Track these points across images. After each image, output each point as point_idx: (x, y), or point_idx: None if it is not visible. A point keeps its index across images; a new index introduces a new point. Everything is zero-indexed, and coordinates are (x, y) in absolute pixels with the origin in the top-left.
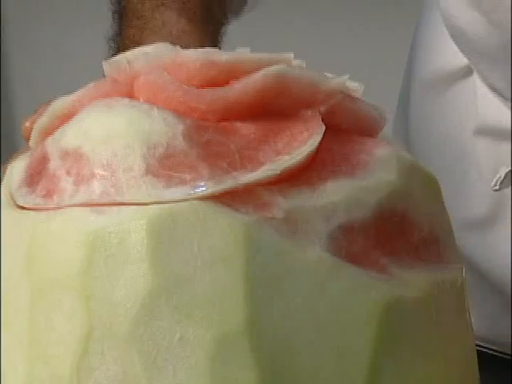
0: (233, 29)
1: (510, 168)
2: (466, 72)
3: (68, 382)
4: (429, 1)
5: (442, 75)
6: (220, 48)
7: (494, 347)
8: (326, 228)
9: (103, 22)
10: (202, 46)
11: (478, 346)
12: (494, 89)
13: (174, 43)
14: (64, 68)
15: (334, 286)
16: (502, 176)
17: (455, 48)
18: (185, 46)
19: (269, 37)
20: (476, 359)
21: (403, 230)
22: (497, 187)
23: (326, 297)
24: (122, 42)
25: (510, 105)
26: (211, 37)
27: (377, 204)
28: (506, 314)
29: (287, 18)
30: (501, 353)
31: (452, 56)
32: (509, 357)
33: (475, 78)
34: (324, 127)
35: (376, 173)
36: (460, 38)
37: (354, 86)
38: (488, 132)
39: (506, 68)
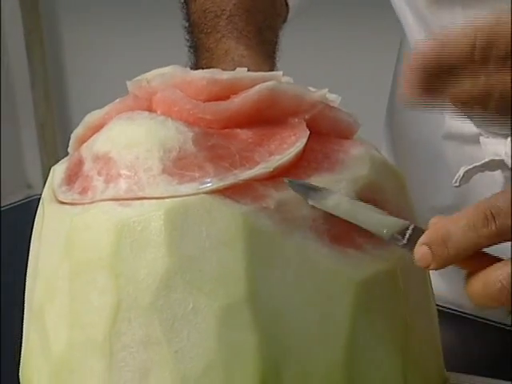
0: None
1: (468, 167)
2: None
3: (101, 344)
4: None
5: None
6: (275, 64)
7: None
8: (311, 215)
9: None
10: (260, 67)
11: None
12: None
13: (236, 67)
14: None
15: (319, 263)
16: (461, 174)
17: None
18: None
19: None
20: (437, 322)
21: None
22: (457, 184)
23: (312, 272)
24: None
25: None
26: (266, 56)
27: (353, 194)
28: None
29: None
30: (494, 322)
31: None
32: (502, 326)
33: None
34: (308, 132)
35: (352, 168)
36: None
37: (333, 98)
38: (454, 137)
39: None
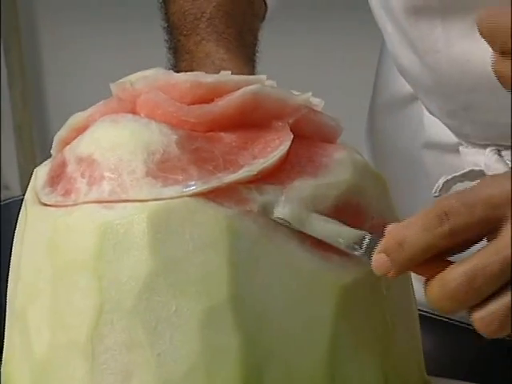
0: None
1: (447, 177)
2: (415, 98)
3: (83, 346)
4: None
5: (396, 99)
6: (255, 66)
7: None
8: None
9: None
10: (241, 70)
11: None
12: (432, 114)
13: (217, 70)
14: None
15: (302, 266)
16: (441, 184)
17: None
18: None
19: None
20: (418, 326)
21: (357, 219)
22: (436, 194)
23: (295, 276)
24: (178, 72)
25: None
26: (247, 59)
27: (336, 198)
28: None
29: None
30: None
31: (403, 84)
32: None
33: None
34: (292, 136)
35: (335, 172)
36: (403, 73)
37: (316, 102)
38: (433, 146)
39: (438, 100)
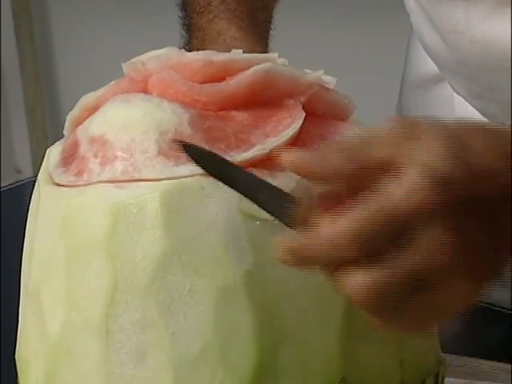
0: None
1: None
2: (443, 78)
3: (98, 326)
4: None
5: (426, 79)
6: (268, 44)
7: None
8: None
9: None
10: (252, 48)
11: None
12: (458, 94)
13: (228, 49)
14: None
15: None
16: None
17: None
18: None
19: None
20: None
21: None
22: None
23: None
24: (190, 50)
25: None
26: (259, 38)
27: None
28: None
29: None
30: (489, 304)
31: (432, 64)
32: (496, 308)
33: None
34: (304, 114)
35: None
36: (429, 53)
37: (328, 79)
38: None
39: (463, 80)
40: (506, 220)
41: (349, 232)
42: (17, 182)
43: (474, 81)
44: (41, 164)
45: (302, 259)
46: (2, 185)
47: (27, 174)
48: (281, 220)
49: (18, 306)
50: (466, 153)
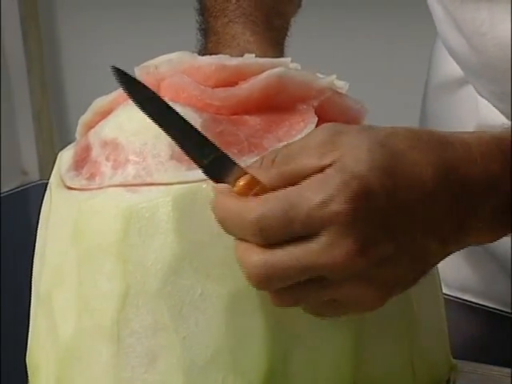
0: None
1: None
2: (467, 80)
3: (109, 330)
4: None
5: (450, 81)
6: (283, 50)
7: (493, 304)
8: None
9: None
10: (266, 53)
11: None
12: (483, 97)
13: (242, 53)
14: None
15: None
16: None
17: None
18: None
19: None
20: (444, 309)
21: None
22: None
23: None
24: (205, 54)
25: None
26: (274, 43)
27: None
28: (503, 272)
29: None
30: (500, 310)
31: (456, 66)
32: (508, 314)
33: None
34: (316, 118)
35: None
36: (453, 55)
37: (341, 84)
38: (486, 129)
39: (487, 83)
40: (424, 241)
41: (251, 214)
42: (22, 186)
43: (499, 83)
44: (48, 166)
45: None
46: (9, 187)
47: (33, 175)
48: (201, 167)
49: (24, 307)
50: (395, 163)
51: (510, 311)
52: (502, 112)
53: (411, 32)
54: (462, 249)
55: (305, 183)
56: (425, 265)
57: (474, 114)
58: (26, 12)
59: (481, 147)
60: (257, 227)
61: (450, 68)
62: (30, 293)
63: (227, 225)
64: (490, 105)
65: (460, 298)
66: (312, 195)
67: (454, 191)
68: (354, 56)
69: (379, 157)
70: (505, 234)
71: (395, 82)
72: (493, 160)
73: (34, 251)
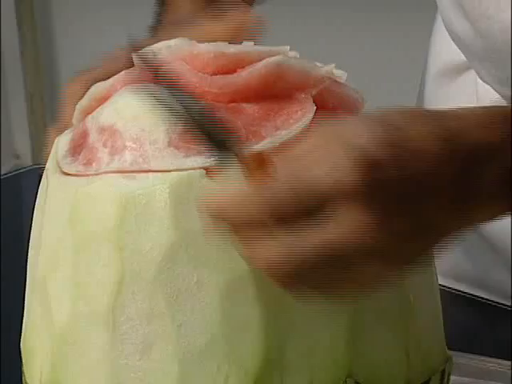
0: None
1: None
2: (468, 67)
3: (104, 316)
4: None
5: (449, 68)
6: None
7: (488, 294)
8: None
9: None
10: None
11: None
12: (485, 82)
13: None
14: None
15: None
16: None
17: None
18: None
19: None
20: (439, 300)
21: None
22: None
23: None
24: (161, 30)
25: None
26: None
27: None
28: (500, 261)
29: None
30: (496, 302)
31: (457, 52)
32: (504, 306)
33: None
34: (315, 107)
35: None
36: (456, 40)
37: (339, 73)
38: None
39: (491, 68)
40: (432, 214)
41: (260, 195)
42: (15, 171)
43: (503, 67)
44: (41, 150)
45: (214, 211)
46: (2, 171)
47: (26, 159)
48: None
49: (17, 293)
50: (398, 136)
51: (505, 302)
52: (503, 97)
53: (408, 20)
54: (464, 233)
55: (309, 160)
56: (436, 237)
57: (474, 101)
58: None
59: (476, 116)
60: (268, 207)
61: (448, 56)
62: (24, 277)
63: (234, 210)
64: (488, 93)
65: (455, 289)
66: (318, 169)
67: (460, 157)
68: (352, 45)
69: (381, 131)
70: (507, 209)
71: (393, 70)
72: (490, 124)
73: (27, 236)
